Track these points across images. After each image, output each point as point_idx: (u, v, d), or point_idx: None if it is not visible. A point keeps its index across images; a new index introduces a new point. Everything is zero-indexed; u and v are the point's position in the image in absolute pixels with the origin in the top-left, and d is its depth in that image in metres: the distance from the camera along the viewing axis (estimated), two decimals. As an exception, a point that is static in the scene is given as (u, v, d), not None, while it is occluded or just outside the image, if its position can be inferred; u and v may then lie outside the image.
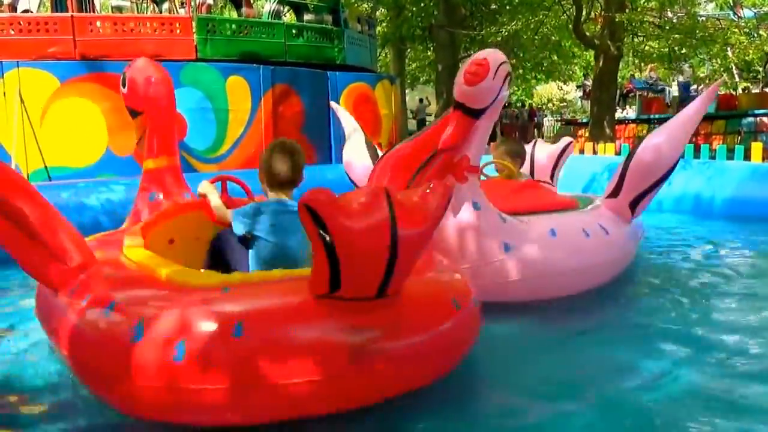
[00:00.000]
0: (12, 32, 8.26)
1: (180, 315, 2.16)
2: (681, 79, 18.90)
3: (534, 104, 33.01)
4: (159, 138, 3.91)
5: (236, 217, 3.05)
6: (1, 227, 2.42)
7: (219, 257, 3.16)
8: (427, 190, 2.16)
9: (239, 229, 3.02)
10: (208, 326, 2.12)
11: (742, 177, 6.70)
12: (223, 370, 2.07)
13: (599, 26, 15.56)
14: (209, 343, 2.09)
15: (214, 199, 3.28)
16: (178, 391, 2.09)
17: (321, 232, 1.98)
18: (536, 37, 17.92)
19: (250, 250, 3.02)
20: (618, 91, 18.61)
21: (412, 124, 24.11)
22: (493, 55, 3.22)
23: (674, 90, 21.40)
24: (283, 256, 2.92)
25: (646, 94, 20.59)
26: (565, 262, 3.68)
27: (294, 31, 10.07)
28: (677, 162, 4.01)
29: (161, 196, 3.87)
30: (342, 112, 5.44)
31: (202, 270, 2.86)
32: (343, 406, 2.27)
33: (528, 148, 5.08)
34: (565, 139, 5.22)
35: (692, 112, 3.99)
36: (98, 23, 8.62)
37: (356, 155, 4.99)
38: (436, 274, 2.72)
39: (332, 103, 5.88)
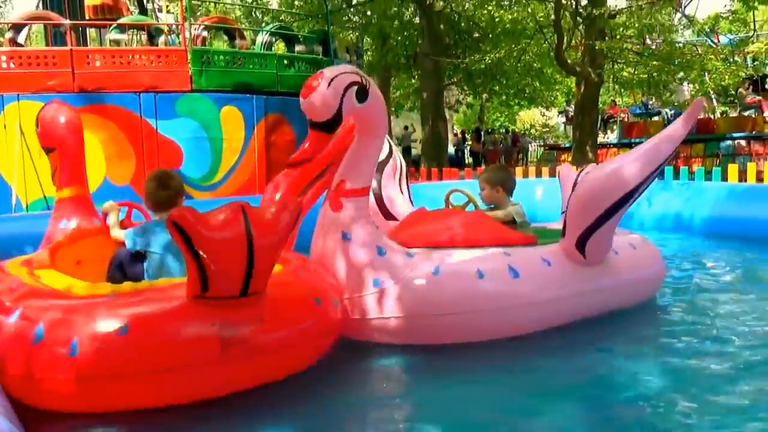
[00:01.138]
0: (12, 65, 8.47)
1: (72, 318, 2.57)
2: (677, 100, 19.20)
3: (517, 130, 33.51)
4: (68, 171, 4.31)
5: (128, 235, 3.55)
6: None
7: (119, 272, 3.54)
8: (278, 206, 2.62)
9: (131, 245, 3.50)
10: (98, 326, 2.53)
11: (719, 197, 7.00)
12: (111, 363, 2.51)
13: (580, 53, 16.01)
14: (99, 340, 2.50)
15: (112, 219, 3.82)
16: (73, 382, 2.51)
17: (187, 243, 2.43)
18: (519, 64, 18.32)
19: (144, 264, 3.49)
20: (599, 116, 19.07)
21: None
22: (331, 69, 3.32)
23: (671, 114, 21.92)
24: (169, 267, 3.41)
25: (623, 119, 21.09)
26: (453, 303, 3.36)
27: (286, 62, 10.36)
28: (636, 190, 3.44)
29: (72, 223, 4.24)
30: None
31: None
32: (218, 392, 2.75)
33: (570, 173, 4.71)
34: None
35: (668, 133, 3.49)
36: (96, 56, 8.86)
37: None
38: (304, 275, 3.16)
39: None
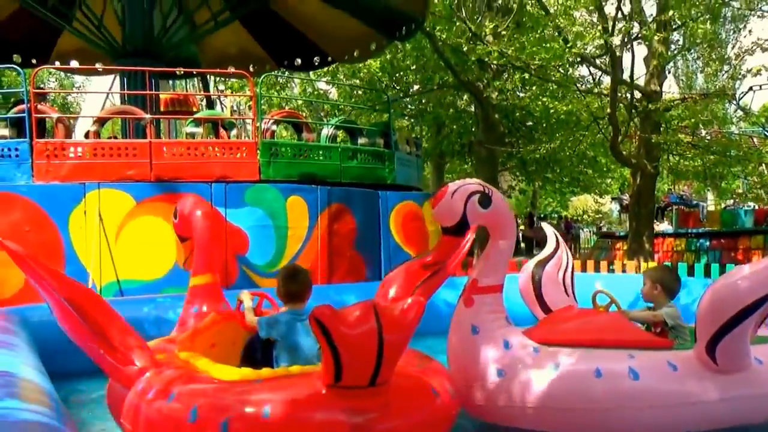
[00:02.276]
0: (95, 156, 9.01)
1: (223, 401, 3.01)
2: None
3: (569, 215, 33.47)
4: (202, 260, 4.85)
5: (261, 324, 3.95)
6: (90, 343, 3.36)
7: (251, 357, 4.06)
8: (405, 305, 2.95)
9: (263, 333, 3.90)
10: (245, 409, 2.94)
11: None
12: None
13: (635, 144, 16.14)
14: (244, 422, 2.91)
15: (247, 305, 4.26)
16: None
17: (327, 337, 2.77)
18: (573, 153, 18.53)
19: (274, 351, 3.88)
20: (655, 205, 19.00)
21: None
22: (454, 184, 3.88)
23: (709, 205, 21.75)
24: (296, 356, 3.74)
25: (681, 208, 20.97)
26: (567, 398, 3.66)
27: (349, 154, 10.75)
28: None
29: (204, 308, 4.71)
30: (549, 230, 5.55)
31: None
32: None
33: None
34: None
35: None
36: (173, 148, 9.36)
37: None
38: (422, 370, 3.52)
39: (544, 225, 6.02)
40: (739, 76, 16.46)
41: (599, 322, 4.19)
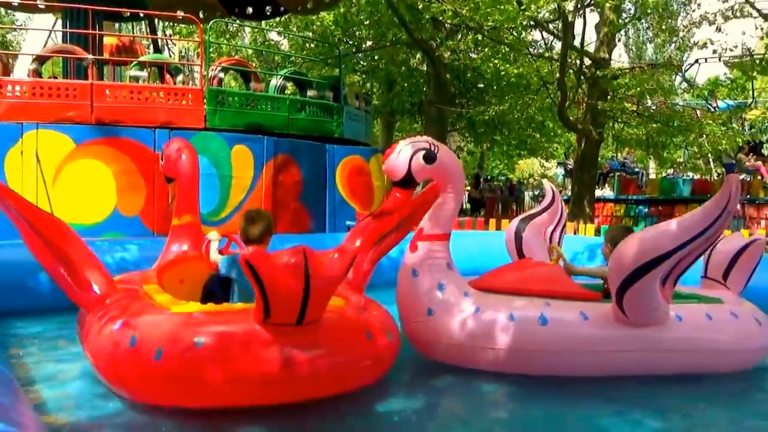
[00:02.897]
0: (34, 96, 8.74)
1: (160, 330, 3.33)
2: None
3: (515, 178, 33.90)
4: (185, 201, 5.16)
5: (222, 261, 4.22)
6: (55, 268, 3.71)
7: (210, 293, 4.30)
8: (335, 255, 3.19)
9: (223, 270, 4.18)
10: (179, 338, 3.24)
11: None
12: (184, 367, 3.20)
13: (582, 111, 16.38)
14: (178, 348, 3.21)
15: (213, 246, 4.41)
16: (155, 378, 3.25)
17: (255, 277, 3.01)
18: (522, 116, 18.70)
19: (231, 288, 4.17)
20: (598, 171, 19.40)
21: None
22: (403, 141, 4.28)
23: (650, 173, 22.34)
24: (250, 294, 3.79)
25: (622, 174, 21.48)
26: (483, 338, 4.07)
27: (297, 106, 10.66)
28: (668, 256, 3.71)
29: (184, 247, 5.02)
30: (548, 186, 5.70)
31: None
32: (281, 400, 3.38)
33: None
34: (756, 236, 4.83)
35: (706, 208, 3.76)
36: (116, 91, 9.14)
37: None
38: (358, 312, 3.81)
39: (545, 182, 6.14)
40: (687, 48, 16.76)
41: (536, 274, 4.52)
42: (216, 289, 4.29)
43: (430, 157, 4.15)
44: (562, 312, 4.09)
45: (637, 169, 20.93)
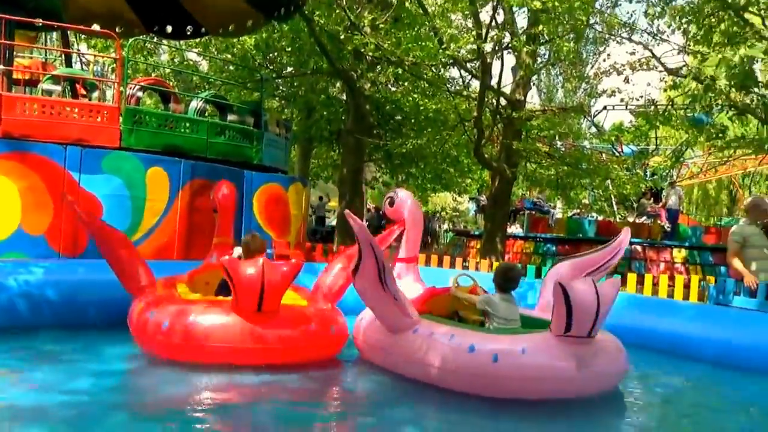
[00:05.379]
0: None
1: (168, 312, 5.51)
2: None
3: (428, 211, 34.37)
4: (222, 226, 8.15)
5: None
6: (116, 265, 6.30)
7: (223, 291, 6.10)
8: (288, 264, 5.33)
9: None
10: (179, 317, 5.40)
11: (618, 306, 7.39)
12: (181, 335, 5.35)
13: (497, 149, 16.80)
14: (177, 324, 5.36)
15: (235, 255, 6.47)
16: (165, 342, 5.43)
17: (229, 277, 5.12)
18: (438, 151, 19.00)
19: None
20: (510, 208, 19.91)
21: (311, 220, 24.67)
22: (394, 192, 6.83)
23: (557, 213, 23.13)
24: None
25: (533, 213, 22.16)
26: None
27: (217, 129, 10.49)
28: None
29: (212, 259, 7.66)
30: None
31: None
32: (245, 362, 5.33)
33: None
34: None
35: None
36: (26, 104, 8.75)
37: None
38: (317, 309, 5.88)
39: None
40: (596, 95, 17.52)
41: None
42: (224, 288, 5.92)
43: (391, 202, 6.74)
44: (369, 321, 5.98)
45: (547, 208, 21.62)
